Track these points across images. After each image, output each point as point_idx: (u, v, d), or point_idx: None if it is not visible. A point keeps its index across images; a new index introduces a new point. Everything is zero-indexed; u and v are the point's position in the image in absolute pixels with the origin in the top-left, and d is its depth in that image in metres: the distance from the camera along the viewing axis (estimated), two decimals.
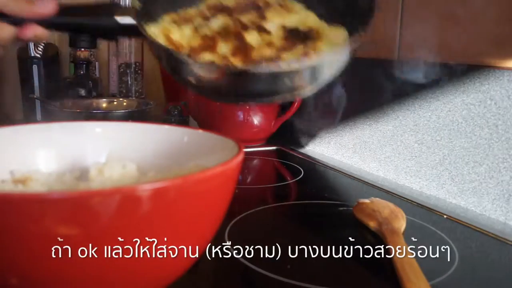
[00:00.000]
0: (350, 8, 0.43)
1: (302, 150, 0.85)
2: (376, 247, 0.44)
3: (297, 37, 0.41)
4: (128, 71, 1.11)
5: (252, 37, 0.40)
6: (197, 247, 0.31)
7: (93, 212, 0.23)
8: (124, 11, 0.40)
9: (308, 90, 0.41)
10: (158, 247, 0.27)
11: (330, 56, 0.38)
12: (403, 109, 0.64)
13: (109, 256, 0.25)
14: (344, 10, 0.43)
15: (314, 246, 0.46)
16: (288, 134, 0.92)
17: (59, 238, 0.23)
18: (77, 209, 0.23)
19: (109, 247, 0.25)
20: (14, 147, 0.38)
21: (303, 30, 0.42)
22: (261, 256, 0.42)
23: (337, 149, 0.79)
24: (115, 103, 0.99)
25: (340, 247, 0.45)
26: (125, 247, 0.25)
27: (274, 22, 0.42)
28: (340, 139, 0.78)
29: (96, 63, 1.10)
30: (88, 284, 0.26)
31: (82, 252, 0.24)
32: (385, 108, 0.67)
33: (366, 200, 0.51)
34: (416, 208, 0.55)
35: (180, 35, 0.41)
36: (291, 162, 0.76)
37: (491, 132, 0.53)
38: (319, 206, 0.56)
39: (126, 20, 0.40)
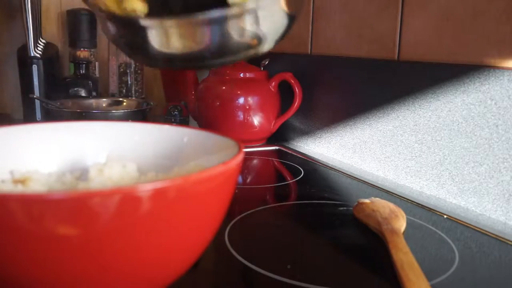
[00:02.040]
0: None
1: (302, 150, 0.85)
2: (376, 247, 0.44)
3: None
4: (128, 71, 1.11)
5: None
6: (197, 247, 0.31)
7: (93, 212, 0.23)
8: None
9: (253, 50, 0.41)
10: (159, 247, 0.27)
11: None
12: (403, 109, 0.64)
13: (110, 256, 0.25)
14: None
15: (314, 246, 0.46)
16: (288, 134, 0.92)
17: (59, 238, 0.23)
18: (77, 209, 0.23)
19: (109, 247, 0.25)
20: (14, 147, 0.38)
21: None
22: (261, 256, 0.42)
23: (337, 149, 0.79)
24: (115, 103, 0.99)
25: (340, 247, 0.45)
26: (125, 247, 0.25)
27: None
28: (340, 139, 0.78)
29: (96, 63, 1.10)
30: (88, 284, 0.26)
31: (82, 252, 0.24)
32: (385, 108, 0.67)
33: (366, 200, 0.51)
34: (416, 208, 0.55)
35: None
36: (291, 162, 0.76)
37: (491, 132, 0.53)
38: (319, 206, 0.56)
39: None
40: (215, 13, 0.37)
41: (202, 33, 0.39)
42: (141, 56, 0.42)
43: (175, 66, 0.43)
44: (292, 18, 0.42)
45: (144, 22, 0.38)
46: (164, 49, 0.40)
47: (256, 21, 0.39)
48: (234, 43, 0.40)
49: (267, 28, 0.41)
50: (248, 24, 0.39)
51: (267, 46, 0.42)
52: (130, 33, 0.40)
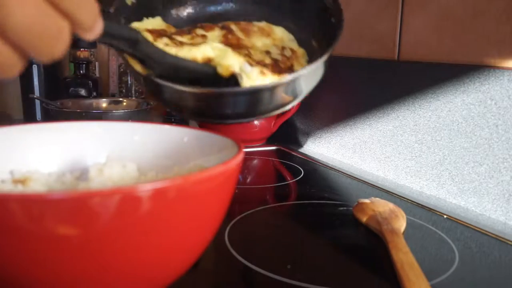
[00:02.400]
0: (322, 24, 0.43)
1: (302, 150, 0.85)
2: (376, 247, 0.44)
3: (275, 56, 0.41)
4: (128, 71, 1.11)
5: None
6: (197, 247, 0.31)
7: (93, 212, 0.23)
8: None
9: (288, 105, 0.41)
10: (159, 247, 0.27)
11: (307, 71, 0.38)
12: (403, 109, 0.64)
13: (110, 256, 0.25)
14: (316, 26, 0.44)
15: (314, 246, 0.46)
16: (288, 134, 0.92)
17: (59, 238, 0.23)
18: (77, 209, 0.23)
19: (109, 247, 0.25)
20: (14, 147, 0.38)
21: (280, 51, 0.42)
22: (261, 256, 0.42)
23: (337, 149, 0.79)
24: (115, 103, 0.99)
25: (340, 247, 0.45)
26: (125, 247, 0.25)
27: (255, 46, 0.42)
28: (340, 139, 0.78)
29: (96, 63, 1.10)
30: (88, 284, 0.26)
31: (82, 252, 0.24)
32: (385, 108, 0.67)
33: (366, 200, 0.51)
34: (416, 208, 0.55)
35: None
36: (291, 162, 0.76)
37: (491, 132, 0.53)
38: (319, 206, 0.56)
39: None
40: (242, 89, 0.36)
41: (223, 103, 0.37)
42: (161, 101, 0.41)
43: (193, 119, 0.42)
44: (327, 63, 0.41)
45: (153, 79, 0.37)
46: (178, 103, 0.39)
47: (294, 86, 0.38)
48: (265, 107, 0.38)
49: (304, 86, 0.40)
50: (283, 92, 0.38)
51: (300, 98, 0.41)
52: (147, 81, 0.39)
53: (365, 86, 0.72)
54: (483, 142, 0.54)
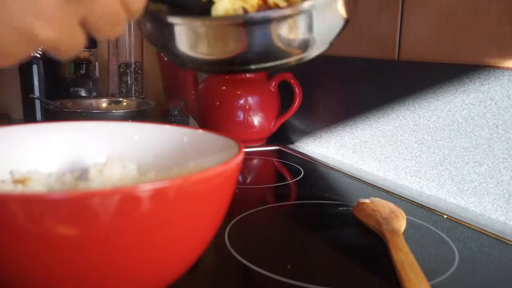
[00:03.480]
0: None
1: (302, 150, 0.85)
2: (376, 247, 0.44)
3: None
4: (128, 71, 1.11)
5: None
6: (197, 247, 0.31)
7: (93, 212, 0.23)
8: None
9: (303, 55, 0.39)
10: (159, 247, 0.27)
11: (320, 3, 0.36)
12: (403, 109, 0.64)
13: (110, 256, 0.25)
14: None
15: (314, 246, 0.46)
16: (288, 134, 0.92)
17: (59, 238, 0.23)
18: (77, 209, 0.23)
19: (109, 247, 0.25)
20: (14, 147, 0.38)
21: None
22: (261, 256, 0.42)
23: (337, 149, 0.79)
24: (115, 103, 0.99)
25: (340, 247, 0.45)
26: (125, 247, 0.25)
27: None
28: (340, 139, 0.78)
29: (96, 63, 1.10)
30: (88, 284, 0.26)
31: (82, 252, 0.24)
32: (385, 108, 0.67)
33: (366, 200, 0.51)
34: (416, 208, 0.55)
35: None
36: (291, 162, 0.76)
37: (491, 132, 0.53)
38: (319, 206, 0.56)
39: None
40: (257, 15, 0.34)
41: (235, 36, 0.36)
42: (173, 56, 0.40)
43: (204, 70, 0.40)
44: (346, 21, 0.39)
45: (171, 19, 0.36)
46: (193, 52, 0.38)
47: (306, 24, 0.36)
48: (275, 48, 0.37)
49: (317, 32, 0.37)
50: (296, 28, 0.36)
51: (315, 52, 0.39)
52: (161, 31, 0.38)
53: (365, 86, 0.72)
54: (483, 142, 0.54)
